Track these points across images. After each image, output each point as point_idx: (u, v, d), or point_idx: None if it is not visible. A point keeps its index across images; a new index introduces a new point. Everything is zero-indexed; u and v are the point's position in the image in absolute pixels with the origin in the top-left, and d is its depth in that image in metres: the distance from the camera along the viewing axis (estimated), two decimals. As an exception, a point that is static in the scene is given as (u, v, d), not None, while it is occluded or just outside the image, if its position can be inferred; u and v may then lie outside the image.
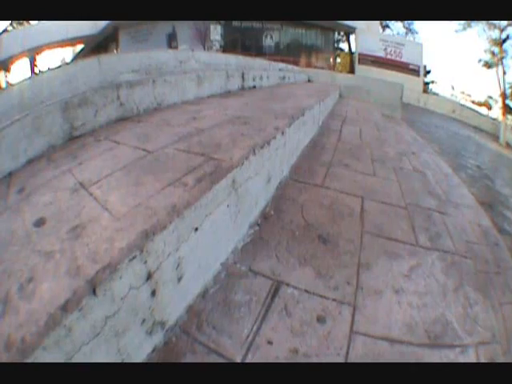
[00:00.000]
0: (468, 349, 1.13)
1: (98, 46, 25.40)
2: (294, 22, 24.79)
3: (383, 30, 37.63)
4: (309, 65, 24.37)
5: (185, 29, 22.20)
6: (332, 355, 1.03)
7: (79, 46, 25.45)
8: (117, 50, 23.65)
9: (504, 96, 22.81)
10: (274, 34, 25.05)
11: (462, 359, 1.10)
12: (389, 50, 25.90)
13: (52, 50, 24.85)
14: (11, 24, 26.75)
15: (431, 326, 1.16)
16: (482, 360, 1.13)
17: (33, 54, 22.87)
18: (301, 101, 3.15)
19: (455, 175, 4.64)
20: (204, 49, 22.04)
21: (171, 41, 22.44)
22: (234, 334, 1.04)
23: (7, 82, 23.24)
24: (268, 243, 1.35)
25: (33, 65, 23.90)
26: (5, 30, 24.09)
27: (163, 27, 22.30)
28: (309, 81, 9.55)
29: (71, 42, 24.02)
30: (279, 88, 5.11)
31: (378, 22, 31.27)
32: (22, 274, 0.79)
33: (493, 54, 23.77)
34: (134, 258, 0.84)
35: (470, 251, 1.88)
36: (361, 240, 1.45)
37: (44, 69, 24.39)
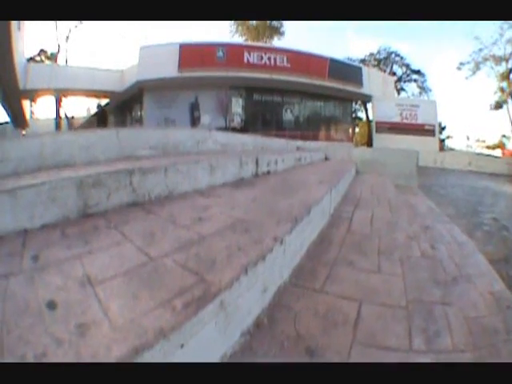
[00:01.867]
0: None
1: (123, 104, 26.62)
2: (313, 95, 25.71)
3: (398, 94, 38.76)
4: (328, 137, 25.25)
5: (207, 99, 23.13)
6: None
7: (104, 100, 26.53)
8: (141, 111, 24.72)
9: None
10: (294, 108, 26.25)
11: None
12: (404, 114, 27.06)
13: (77, 96, 26.02)
14: (39, 54, 29.02)
15: None
16: None
17: (58, 93, 23.96)
18: (311, 192, 3.25)
19: (470, 241, 4.41)
20: (225, 121, 22.87)
21: (194, 110, 23.09)
22: None
23: (31, 112, 24.74)
24: (256, 354, 1.37)
25: (58, 104, 25.15)
26: (31, 58, 25.75)
27: (186, 96, 23.18)
28: (326, 159, 9.73)
29: (96, 93, 25.30)
30: (294, 172, 5.30)
31: (393, 86, 32.29)
32: (37, 347, 0.94)
33: (502, 90, 23.89)
34: (125, 367, 0.96)
35: (473, 338, 1.79)
36: (349, 351, 1.43)
37: (69, 112, 25.85)
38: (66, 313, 1.12)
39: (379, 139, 25.36)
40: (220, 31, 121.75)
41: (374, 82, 26.90)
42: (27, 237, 1.82)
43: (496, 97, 26.44)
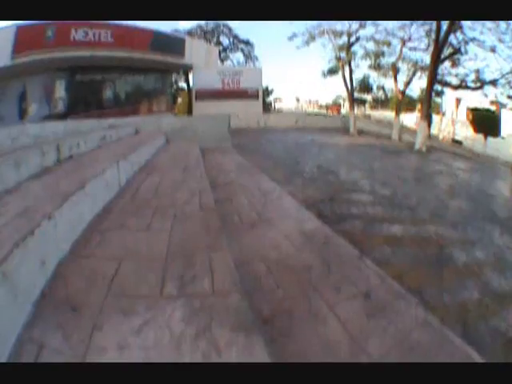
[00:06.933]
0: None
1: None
2: (134, 69, 24.08)
3: (223, 63, 39.76)
4: (149, 110, 24.65)
5: (35, 86, 20.14)
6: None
7: None
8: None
9: (351, 92, 25.14)
10: (115, 85, 23.99)
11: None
12: (226, 80, 27.22)
13: None
14: None
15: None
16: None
17: None
18: (95, 169, 3.45)
19: (278, 188, 4.91)
20: (49, 109, 19.95)
21: (22, 101, 20.10)
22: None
23: None
24: (46, 321, 1.68)
25: None
26: None
27: (16, 86, 19.79)
28: (137, 133, 9.81)
29: None
30: (95, 152, 5.40)
31: (217, 55, 32.45)
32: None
33: (339, 59, 25.37)
34: None
35: (248, 280, 2.21)
36: (103, 303, 1.78)
37: None
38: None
39: (199, 107, 25.93)
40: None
41: (196, 52, 26.69)
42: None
43: (331, 64, 28.47)
